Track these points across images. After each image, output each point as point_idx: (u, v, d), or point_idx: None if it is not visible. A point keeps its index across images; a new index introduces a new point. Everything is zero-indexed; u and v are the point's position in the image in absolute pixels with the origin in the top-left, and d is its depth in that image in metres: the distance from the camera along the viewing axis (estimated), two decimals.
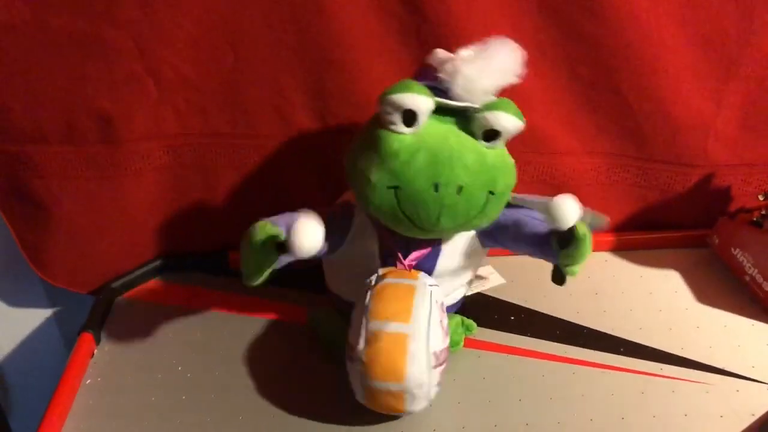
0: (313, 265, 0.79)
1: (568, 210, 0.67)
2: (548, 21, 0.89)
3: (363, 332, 0.70)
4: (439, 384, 0.73)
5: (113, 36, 0.83)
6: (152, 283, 1.01)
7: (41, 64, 0.83)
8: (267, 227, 0.68)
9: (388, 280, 0.74)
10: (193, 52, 0.87)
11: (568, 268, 0.71)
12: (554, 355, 0.86)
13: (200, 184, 0.97)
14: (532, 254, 0.76)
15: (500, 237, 0.78)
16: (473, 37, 0.87)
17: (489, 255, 1.01)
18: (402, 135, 0.68)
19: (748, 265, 0.96)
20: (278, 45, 0.87)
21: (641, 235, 1.07)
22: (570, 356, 0.86)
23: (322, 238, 0.65)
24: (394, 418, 0.76)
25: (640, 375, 0.83)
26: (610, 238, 1.06)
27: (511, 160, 0.73)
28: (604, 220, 0.71)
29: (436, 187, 0.67)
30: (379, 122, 0.69)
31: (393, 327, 0.69)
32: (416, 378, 0.69)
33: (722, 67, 0.93)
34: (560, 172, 1.01)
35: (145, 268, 1.01)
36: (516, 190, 0.76)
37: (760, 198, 0.95)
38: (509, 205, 0.76)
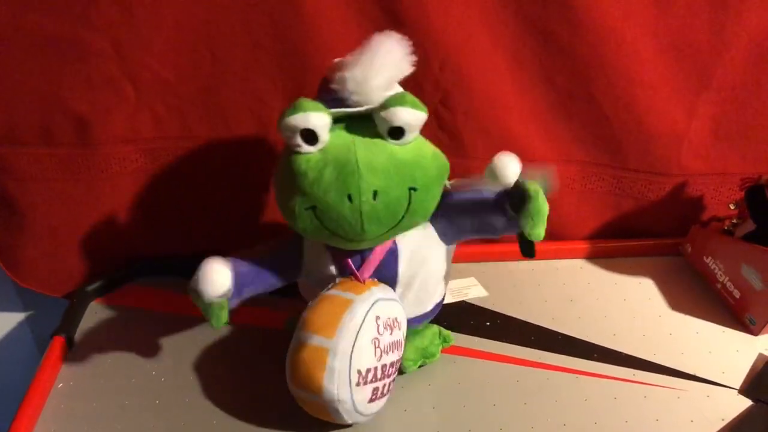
0: None
1: (507, 164, 0.70)
2: (525, 31, 0.90)
3: (293, 339, 0.72)
4: (374, 401, 0.73)
5: (91, 38, 0.83)
6: (127, 287, 1.00)
7: (17, 66, 0.83)
8: None
9: (331, 292, 0.74)
10: (171, 55, 0.86)
11: (530, 232, 0.70)
12: (529, 361, 0.87)
13: (177, 188, 0.96)
14: (494, 230, 0.75)
15: (455, 224, 0.77)
16: (451, 45, 0.89)
17: (470, 261, 1.04)
18: (308, 155, 0.67)
19: (720, 273, 0.97)
20: (257, 49, 0.87)
21: (616, 242, 1.08)
22: (544, 362, 0.86)
23: (227, 282, 0.72)
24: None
25: (613, 380, 0.84)
26: (585, 245, 1.07)
27: (430, 150, 0.71)
28: (550, 181, 0.71)
29: (350, 198, 0.66)
30: (287, 147, 0.69)
31: (316, 340, 0.69)
32: (332, 393, 0.68)
33: (695, 78, 0.95)
34: None
35: (119, 273, 1.00)
36: None
37: (731, 207, 0.97)
38: (452, 195, 0.76)
